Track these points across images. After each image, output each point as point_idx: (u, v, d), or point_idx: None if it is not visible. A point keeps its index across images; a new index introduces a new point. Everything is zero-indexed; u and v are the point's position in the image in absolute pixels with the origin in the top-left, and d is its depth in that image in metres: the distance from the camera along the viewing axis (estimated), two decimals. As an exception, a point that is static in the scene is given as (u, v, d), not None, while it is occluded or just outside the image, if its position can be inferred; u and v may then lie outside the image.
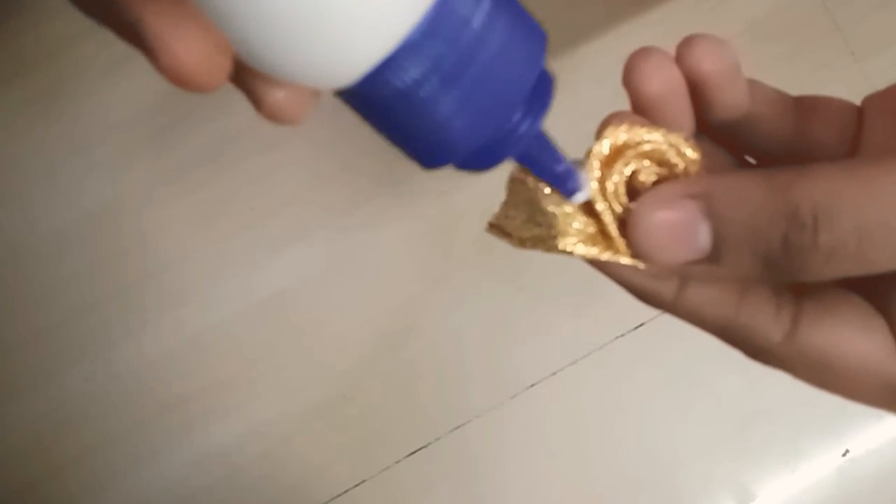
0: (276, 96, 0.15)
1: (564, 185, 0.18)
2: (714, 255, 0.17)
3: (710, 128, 0.21)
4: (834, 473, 0.50)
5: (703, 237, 0.17)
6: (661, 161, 0.19)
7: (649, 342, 0.51)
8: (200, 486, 0.52)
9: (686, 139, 0.18)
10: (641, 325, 0.51)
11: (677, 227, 0.17)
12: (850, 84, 0.51)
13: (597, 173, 0.18)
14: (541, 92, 0.17)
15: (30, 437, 0.52)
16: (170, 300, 0.52)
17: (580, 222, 0.18)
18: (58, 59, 0.53)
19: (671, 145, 0.18)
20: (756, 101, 0.21)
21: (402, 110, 0.15)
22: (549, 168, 0.18)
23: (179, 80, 0.13)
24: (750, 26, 0.51)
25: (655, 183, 0.19)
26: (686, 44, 0.19)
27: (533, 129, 0.17)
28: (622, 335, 0.51)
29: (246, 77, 0.15)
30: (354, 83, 0.15)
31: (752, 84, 0.21)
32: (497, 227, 0.20)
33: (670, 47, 0.20)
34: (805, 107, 0.21)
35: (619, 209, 0.18)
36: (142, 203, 0.52)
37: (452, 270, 0.52)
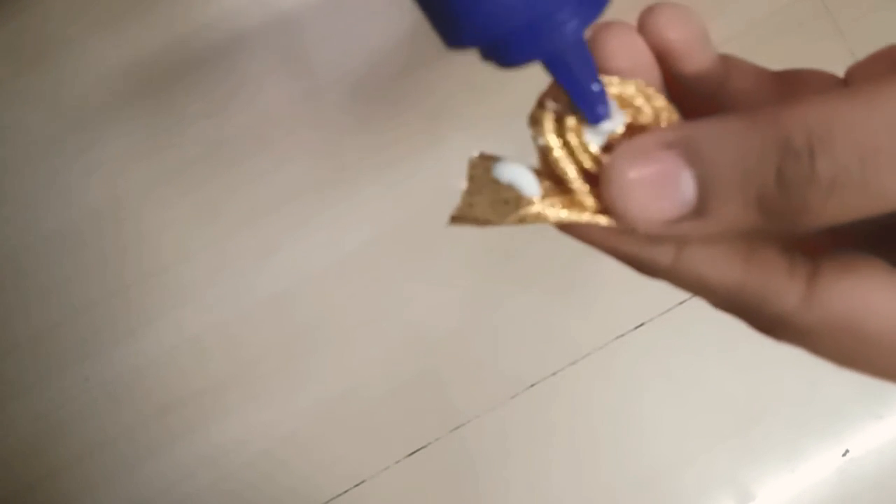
0: None
1: (594, 107, 0.16)
2: (701, 207, 0.15)
3: (691, 111, 0.20)
4: (834, 473, 0.50)
5: (686, 188, 0.15)
6: (627, 105, 0.17)
7: (649, 342, 0.51)
8: (200, 487, 0.51)
9: (653, 87, 0.17)
10: (641, 325, 0.51)
11: (657, 181, 0.15)
12: (850, 84, 0.51)
13: (553, 125, 0.16)
14: None
15: (29, 438, 0.52)
16: (169, 300, 0.52)
17: (550, 188, 0.16)
18: (58, 59, 0.53)
19: (638, 90, 0.17)
20: (733, 75, 0.20)
21: None
22: (581, 84, 0.16)
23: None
24: (750, 26, 0.51)
25: (626, 133, 0.16)
26: (648, 13, 0.18)
27: (579, 32, 0.15)
28: (622, 335, 0.51)
29: None
30: None
31: (728, 59, 0.20)
32: (461, 218, 0.17)
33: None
34: (788, 80, 0.20)
35: (589, 164, 0.16)
36: (141, 203, 0.52)
37: (452, 271, 0.52)
